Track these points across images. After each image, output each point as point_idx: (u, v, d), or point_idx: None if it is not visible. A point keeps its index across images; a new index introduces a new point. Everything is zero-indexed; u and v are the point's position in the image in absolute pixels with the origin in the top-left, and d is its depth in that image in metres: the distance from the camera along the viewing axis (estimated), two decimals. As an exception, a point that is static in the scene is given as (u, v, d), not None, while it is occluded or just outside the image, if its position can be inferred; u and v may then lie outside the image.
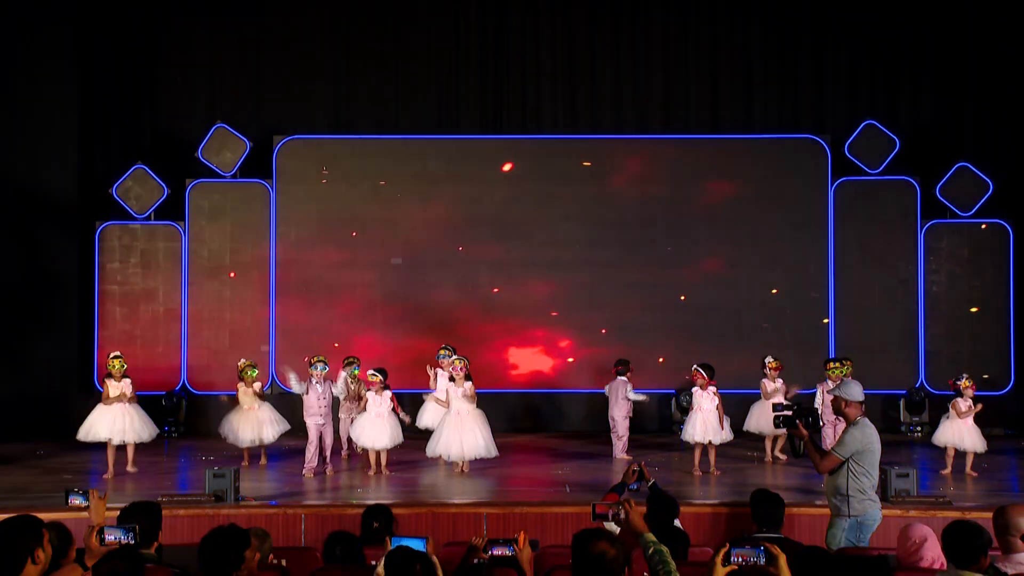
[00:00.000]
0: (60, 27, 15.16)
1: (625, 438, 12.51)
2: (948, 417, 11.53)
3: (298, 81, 15.76)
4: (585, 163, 15.47)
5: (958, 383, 11.54)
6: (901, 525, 5.96)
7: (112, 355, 11.56)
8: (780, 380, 12.31)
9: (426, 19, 15.79)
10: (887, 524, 7.47)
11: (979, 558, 4.68)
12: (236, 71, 15.78)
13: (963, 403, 11.42)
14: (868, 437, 6.92)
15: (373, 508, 7.01)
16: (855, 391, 7.12)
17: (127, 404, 11.35)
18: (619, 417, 12.50)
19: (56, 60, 15.11)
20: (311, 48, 15.77)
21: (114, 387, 11.37)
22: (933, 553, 5.61)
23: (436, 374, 12.61)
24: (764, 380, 12.39)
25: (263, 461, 12.08)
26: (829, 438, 11.17)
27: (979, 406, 11.41)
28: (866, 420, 7.09)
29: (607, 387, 12.80)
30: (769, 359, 12.42)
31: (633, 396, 12.43)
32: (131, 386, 11.46)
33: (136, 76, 15.68)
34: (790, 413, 7.05)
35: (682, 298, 15.40)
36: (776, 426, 7.27)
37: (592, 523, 5.00)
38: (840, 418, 7.54)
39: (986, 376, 14.67)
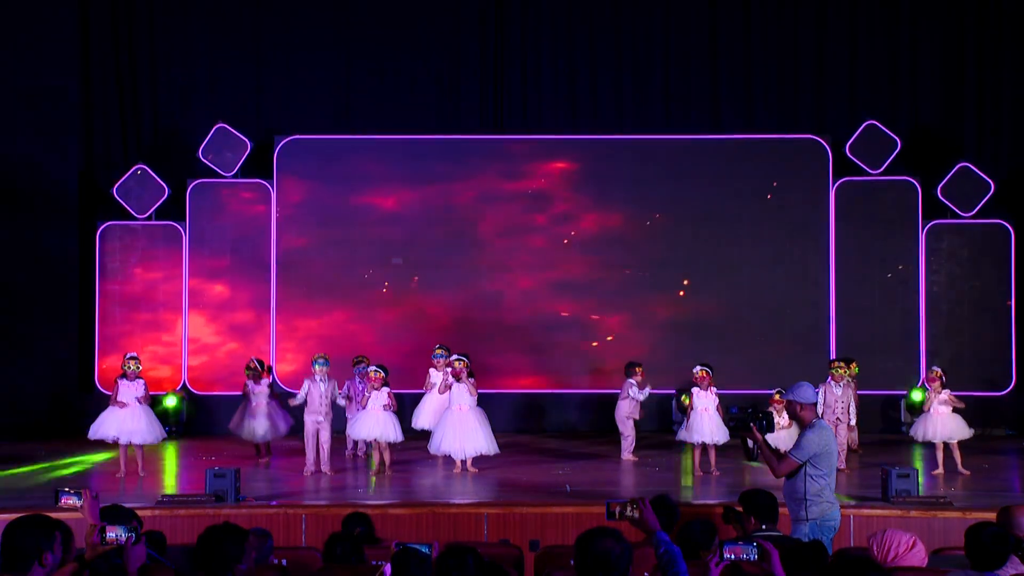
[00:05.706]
0: (61, 27, 15.18)
1: (631, 438, 12.45)
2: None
3: (298, 81, 15.75)
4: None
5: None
6: (902, 526, 5.93)
7: (128, 356, 11.51)
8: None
9: (426, 19, 15.78)
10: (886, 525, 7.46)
11: (1003, 561, 4.66)
12: (236, 71, 15.77)
13: (931, 395, 11.41)
14: (825, 439, 6.74)
15: (353, 516, 7.06)
16: (808, 394, 6.90)
17: (138, 405, 11.27)
18: (619, 417, 12.45)
19: (57, 60, 15.12)
20: (311, 48, 15.75)
21: (125, 388, 11.31)
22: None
23: (430, 375, 12.61)
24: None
25: (266, 459, 12.11)
26: (842, 436, 11.17)
27: (941, 392, 11.27)
28: (822, 422, 6.93)
29: None
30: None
31: (634, 393, 12.32)
32: (145, 387, 11.41)
33: (136, 76, 15.68)
34: (743, 416, 6.84)
35: (681, 294, 15.41)
36: (729, 429, 7.09)
37: (606, 522, 4.95)
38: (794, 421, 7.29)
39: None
